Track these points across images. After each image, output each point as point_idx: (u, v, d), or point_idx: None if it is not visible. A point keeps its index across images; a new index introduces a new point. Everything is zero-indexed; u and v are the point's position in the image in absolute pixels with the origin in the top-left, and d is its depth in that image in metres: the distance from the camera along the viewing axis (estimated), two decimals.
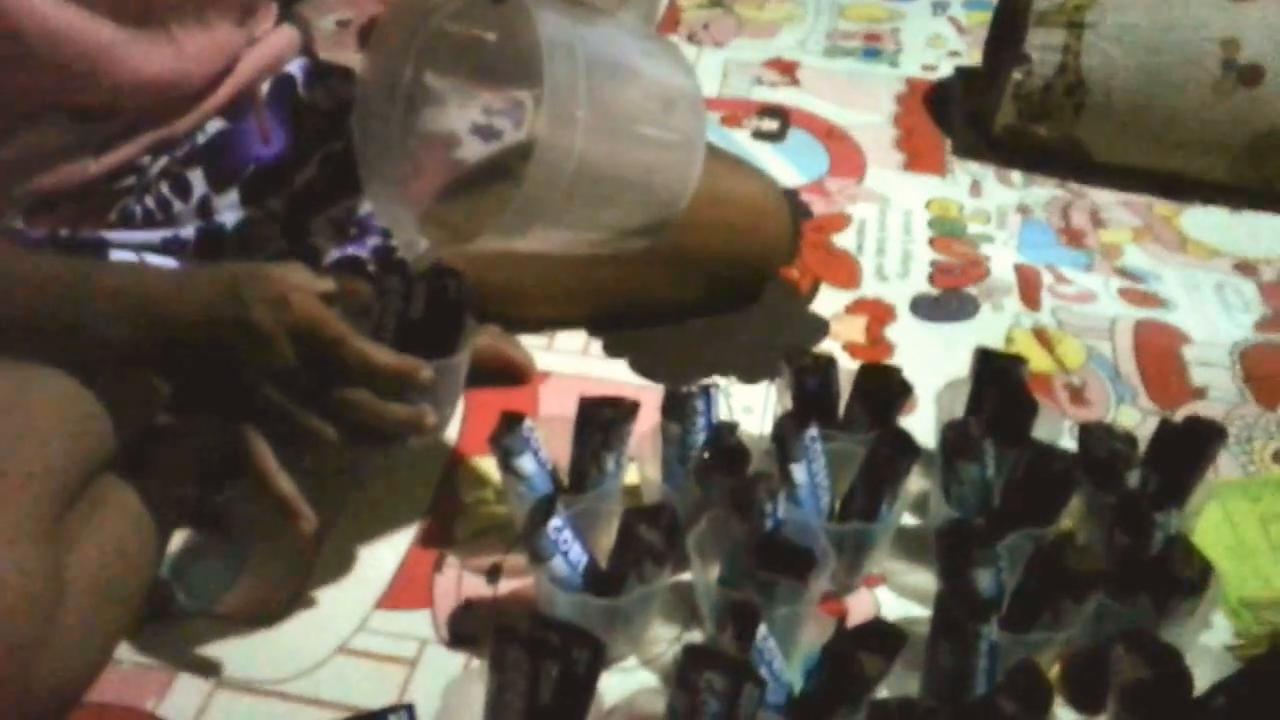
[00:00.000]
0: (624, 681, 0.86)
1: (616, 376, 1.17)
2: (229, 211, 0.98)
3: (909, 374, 1.03)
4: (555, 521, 0.85)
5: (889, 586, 0.96)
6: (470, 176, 1.03)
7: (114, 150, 0.90)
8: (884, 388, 1.01)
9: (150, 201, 0.94)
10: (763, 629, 0.77)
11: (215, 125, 0.97)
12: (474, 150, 1.05)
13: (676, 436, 0.97)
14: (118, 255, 0.91)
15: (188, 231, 0.96)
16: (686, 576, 0.91)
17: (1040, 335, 1.26)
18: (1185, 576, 0.81)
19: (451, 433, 1.08)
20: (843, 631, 0.78)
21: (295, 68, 1.03)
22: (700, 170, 0.90)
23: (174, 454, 0.85)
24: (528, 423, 0.94)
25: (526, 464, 0.93)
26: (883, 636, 0.76)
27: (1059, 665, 0.87)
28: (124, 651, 0.85)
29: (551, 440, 0.97)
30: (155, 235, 0.94)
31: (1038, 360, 1.21)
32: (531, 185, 0.77)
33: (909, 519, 1.00)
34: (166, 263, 0.94)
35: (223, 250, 0.98)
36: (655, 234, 0.91)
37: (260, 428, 0.79)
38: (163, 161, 0.94)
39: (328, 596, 0.92)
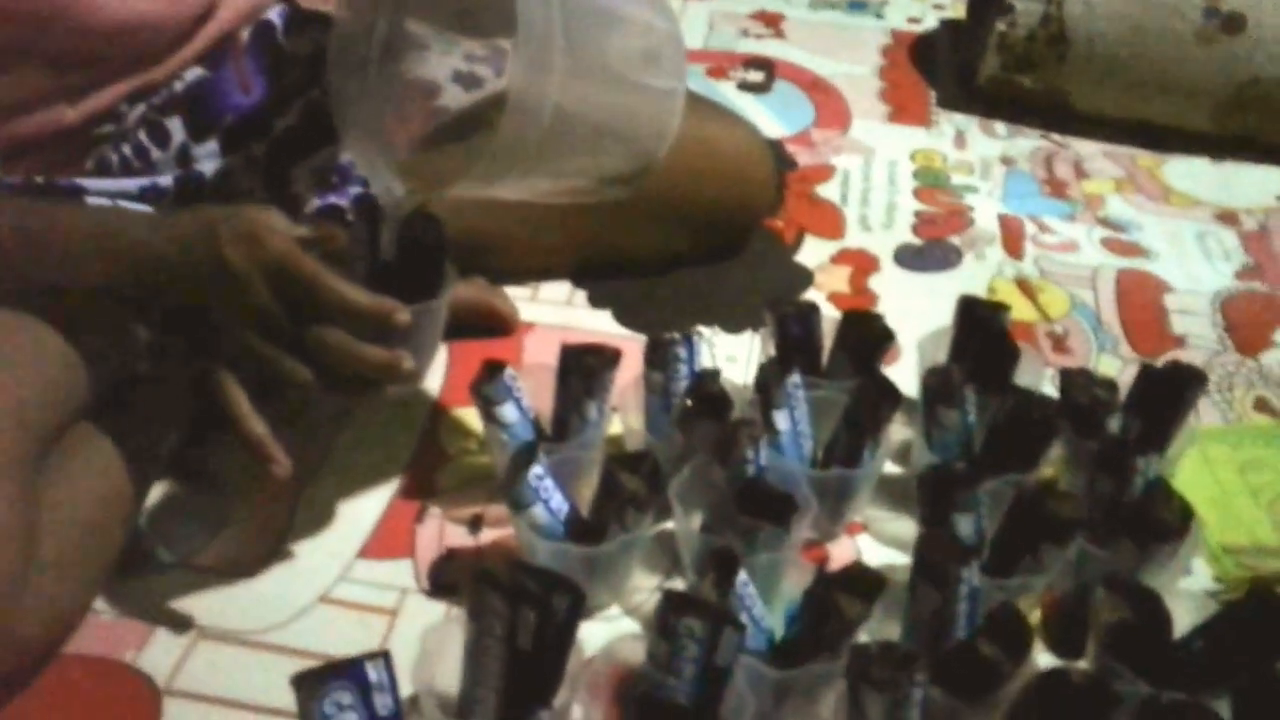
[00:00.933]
0: (606, 630, 0.86)
1: (601, 327, 1.17)
2: (208, 160, 0.97)
3: (892, 324, 1.03)
4: (536, 469, 0.85)
5: (871, 534, 0.96)
6: (451, 126, 1.02)
7: (91, 97, 0.89)
8: (866, 335, 1.01)
9: (128, 149, 0.93)
10: (743, 575, 0.77)
11: (194, 73, 0.95)
12: (455, 98, 1.04)
13: (659, 385, 0.97)
14: (94, 203, 0.90)
15: (166, 180, 0.95)
16: (669, 525, 0.91)
17: (1023, 284, 1.26)
18: (1166, 521, 0.82)
19: (434, 383, 1.08)
20: (822, 576, 0.78)
21: (275, 15, 1.01)
22: (680, 117, 0.89)
23: (153, 404, 0.85)
24: (509, 371, 0.93)
25: (508, 412, 0.93)
26: (862, 580, 0.76)
27: (1040, 611, 0.88)
28: (103, 603, 0.85)
29: (536, 391, 0.97)
30: (133, 183, 0.93)
31: (1020, 309, 1.21)
32: (506, 133, 0.77)
33: (892, 468, 1.01)
34: (141, 210, 0.93)
35: (202, 199, 0.97)
36: (635, 182, 0.91)
37: (236, 372, 0.79)
38: (141, 109, 0.93)
39: (309, 547, 0.92)
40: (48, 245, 0.78)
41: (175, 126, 0.94)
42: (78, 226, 0.79)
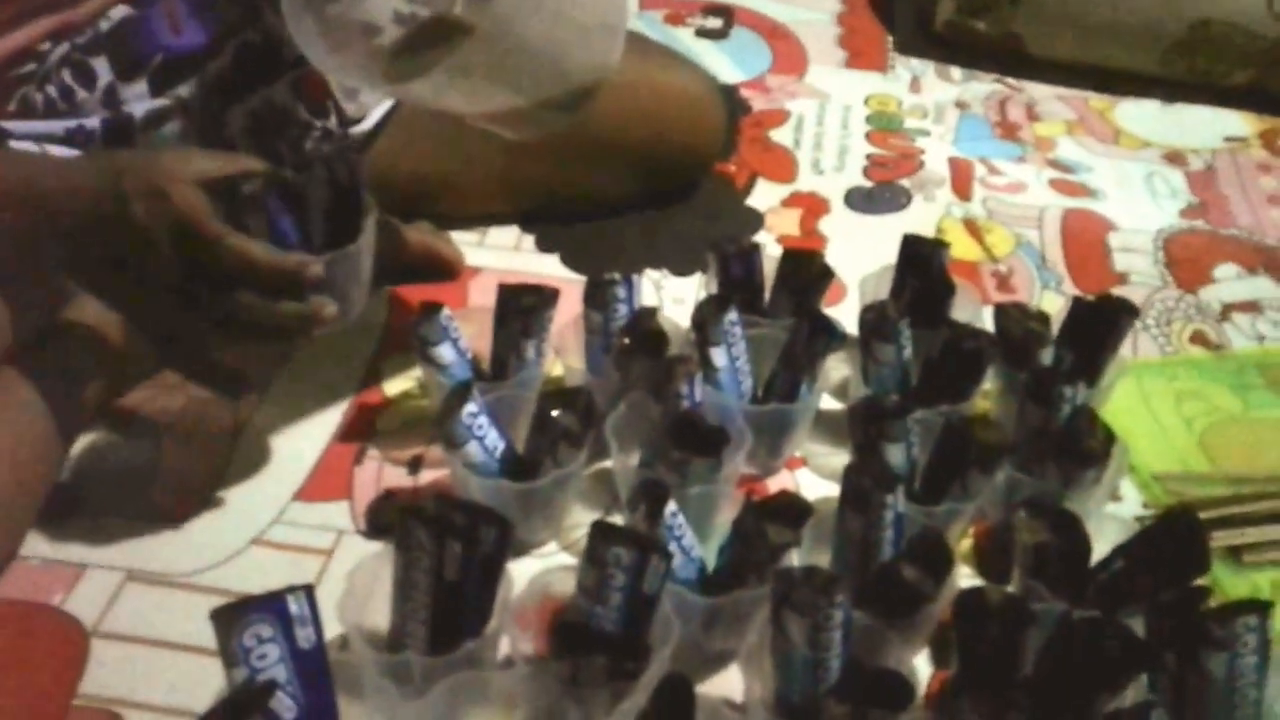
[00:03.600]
0: (544, 567, 0.86)
1: (549, 271, 1.16)
2: (137, 102, 0.95)
3: (842, 266, 1.03)
4: (470, 407, 0.85)
5: (810, 469, 0.96)
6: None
7: (9, 35, 0.87)
8: (806, 273, 1.01)
9: (52, 90, 0.92)
10: (672, 506, 0.77)
11: (119, 11, 0.94)
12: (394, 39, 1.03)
13: (598, 325, 0.97)
14: (18, 146, 0.88)
15: (93, 122, 0.93)
16: (608, 464, 0.91)
17: (970, 225, 1.26)
18: (1090, 447, 0.82)
19: (376, 328, 1.08)
20: (751, 504, 0.78)
21: None
22: (618, 52, 0.88)
23: (79, 349, 0.84)
24: (445, 312, 0.93)
25: (445, 353, 0.93)
26: (790, 508, 0.77)
27: (972, 540, 0.88)
28: (31, 547, 0.85)
29: (478, 333, 0.97)
30: (58, 125, 0.92)
31: (967, 249, 1.22)
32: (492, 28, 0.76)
33: (832, 404, 1.01)
34: (68, 154, 0.92)
35: (132, 142, 0.96)
36: (572, 109, 0.89)
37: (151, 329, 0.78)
38: (64, 48, 0.91)
39: (244, 490, 0.92)
40: None
41: (101, 66, 0.93)
42: None
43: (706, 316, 0.92)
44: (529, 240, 1.21)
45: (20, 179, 0.78)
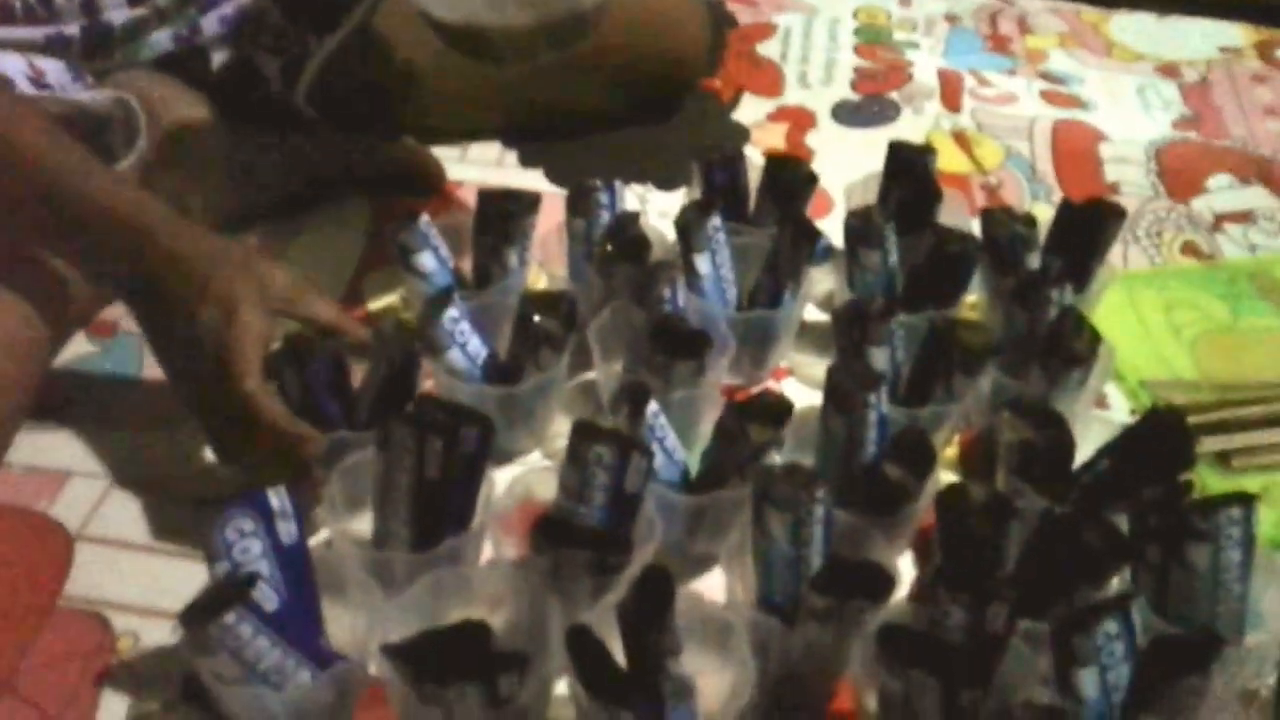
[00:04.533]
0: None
1: (533, 185, 1.15)
2: (115, 9, 0.94)
3: (829, 179, 1.01)
4: (451, 312, 0.84)
5: (796, 378, 0.96)
6: None
7: None
8: (790, 179, 1.00)
9: None
10: (653, 406, 0.77)
11: None
12: None
13: (581, 232, 0.96)
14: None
15: (72, 29, 0.92)
16: (592, 374, 0.91)
17: (959, 137, 1.25)
18: (1075, 348, 0.82)
19: (358, 243, 1.07)
20: (732, 404, 0.78)
21: None
22: None
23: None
24: (424, 219, 0.92)
25: (426, 260, 0.92)
26: (771, 407, 0.76)
27: (959, 447, 0.88)
28: (16, 455, 0.84)
29: (461, 245, 0.96)
30: (38, 32, 0.91)
31: (956, 161, 1.20)
32: None
33: (818, 314, 1.00)
34: (53, 64, 0.91)
35: (111, 50, 0.95)
36: (571, 35, 0.88)
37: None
38: None
39: None
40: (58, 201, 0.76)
41: None
42: (101, 197, 0.77)
43: (690, 222, 0.91)
44: (511, 156, 1.20)
45: (131, 216, 0.77)
